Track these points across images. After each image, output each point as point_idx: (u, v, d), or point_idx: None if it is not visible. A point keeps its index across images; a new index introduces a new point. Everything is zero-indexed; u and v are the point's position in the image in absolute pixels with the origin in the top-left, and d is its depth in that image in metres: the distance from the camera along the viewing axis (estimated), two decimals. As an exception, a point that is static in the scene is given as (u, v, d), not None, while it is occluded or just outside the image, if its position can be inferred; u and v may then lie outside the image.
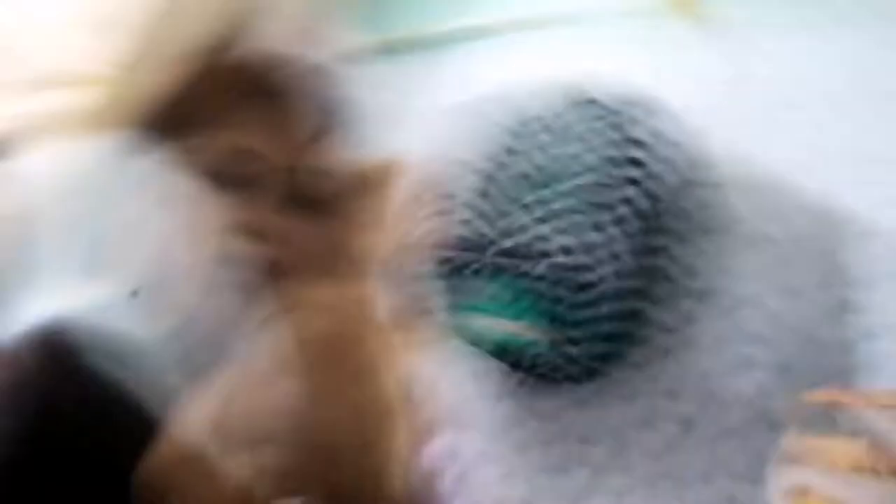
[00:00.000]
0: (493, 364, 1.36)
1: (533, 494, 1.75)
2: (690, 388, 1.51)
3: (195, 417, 0.52)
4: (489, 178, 0.81)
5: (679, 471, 1.53)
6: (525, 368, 1.24)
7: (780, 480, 1.17)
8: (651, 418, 1.53)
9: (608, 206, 0.78)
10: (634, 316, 1.21)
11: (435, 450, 0.60)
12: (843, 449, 1.08)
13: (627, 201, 0.78)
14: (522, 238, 0.81)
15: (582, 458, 1.64)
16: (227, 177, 0.52)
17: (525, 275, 0.82)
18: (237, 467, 0.50)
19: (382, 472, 0.53)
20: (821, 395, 1.11)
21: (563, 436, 1.61)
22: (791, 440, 1.16)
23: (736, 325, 1.19)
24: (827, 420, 1.13)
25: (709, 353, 1.35)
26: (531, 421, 1.63)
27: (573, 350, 1.17)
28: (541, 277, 0.81)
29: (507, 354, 0.99)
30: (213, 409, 0.51)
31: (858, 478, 1.07)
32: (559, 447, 1.63)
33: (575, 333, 1.09)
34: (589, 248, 0.80)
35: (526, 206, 0.78)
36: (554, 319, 1.00)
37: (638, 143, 0.79)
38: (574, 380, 1.33)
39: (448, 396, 0.65)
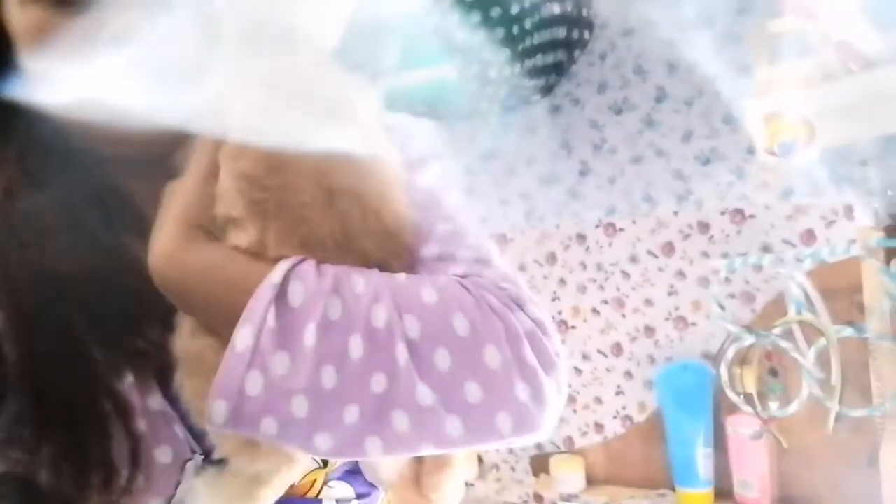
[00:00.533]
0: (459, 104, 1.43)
1: (531, 208, 1.80)
2: (657, 61, 1.57)
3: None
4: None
5: (659, 140, 1.60)
6: (490, 94, 1.39)
7: (756, 112, 1.22)
8: (625, 100, 1.60)
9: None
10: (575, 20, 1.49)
11: (425, 182, 0.59)
12: (811, 67, 1.12)
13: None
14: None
15: (569, 161, 1.71)
16: None
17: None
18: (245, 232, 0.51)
19: (381, 207, 0.53)
20: (782, 22, 1.14)
21: (545, 148, 1.68)
22: (761, 72, 1.21)
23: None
24: (793, 44, 1.18)
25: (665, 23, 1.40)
26: (511, 145, 1.69)
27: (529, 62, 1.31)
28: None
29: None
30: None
31: (828, 86, 1.11)
32: (545, 159, 1.69)
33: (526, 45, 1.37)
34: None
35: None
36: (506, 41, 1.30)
37: None
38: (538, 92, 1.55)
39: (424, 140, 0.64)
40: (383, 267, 0.53)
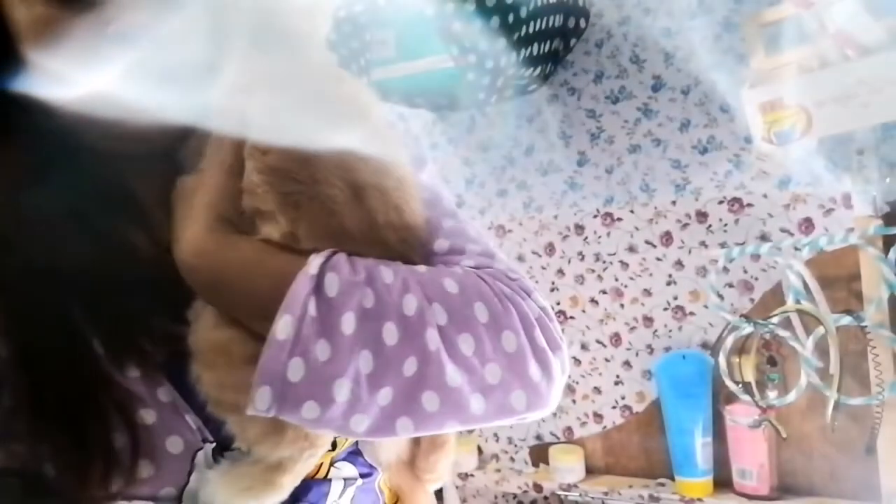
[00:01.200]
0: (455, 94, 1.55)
1: (529, 199, 1.83)
2: (653, 48, 1.60)
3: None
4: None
5: (656, 129, 1.62)
6: (489, 84, 1.39)
7: (753, 101, 1.24)
8: (622, 88, 1.62)
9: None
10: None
11: (425, 179, 0.62)
12: (808, 54, 1.14)
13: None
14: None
15: (566, 150, 1.73)
16: None
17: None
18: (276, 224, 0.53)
19: (400, 202, 0.56)
20: (779, 10, 1.15)
21: (542, 137, 1.72)
22: (758, 61, 1.23)
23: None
24: (790, 32, 1.20)
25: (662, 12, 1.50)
26: (508, 135, 1.74)
27: (527, 50, 1.48)
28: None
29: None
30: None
31: (825, 74, 1.13)
32: (543, 148, 1.72)
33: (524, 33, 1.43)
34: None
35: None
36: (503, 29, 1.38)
37: None
38: (535, 80, 1.61)
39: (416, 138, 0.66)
40: (404, 259, 0.55)
